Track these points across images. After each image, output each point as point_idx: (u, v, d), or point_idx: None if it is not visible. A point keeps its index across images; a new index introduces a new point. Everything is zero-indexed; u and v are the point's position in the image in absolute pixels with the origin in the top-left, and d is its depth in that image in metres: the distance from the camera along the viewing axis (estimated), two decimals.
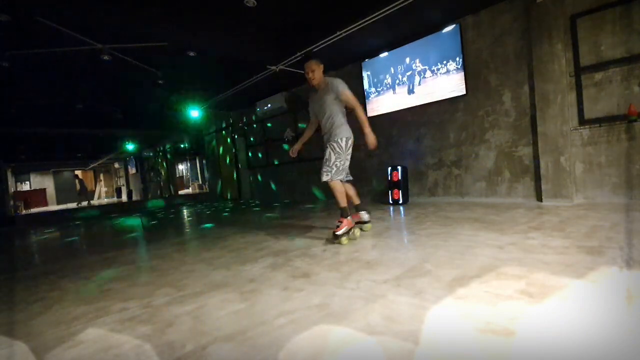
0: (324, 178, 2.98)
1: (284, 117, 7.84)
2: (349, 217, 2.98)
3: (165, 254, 3.20)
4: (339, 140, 2.98)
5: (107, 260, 3.16)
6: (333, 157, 2.98)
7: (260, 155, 8.86)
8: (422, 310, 1.45)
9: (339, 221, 2.93)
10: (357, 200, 3.30)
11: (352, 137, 3.07)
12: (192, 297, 1.91)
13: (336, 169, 2.96)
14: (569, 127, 3.85)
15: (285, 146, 7.80)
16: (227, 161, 9.93)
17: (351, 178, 3.23)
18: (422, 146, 5.34)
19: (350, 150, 3.05)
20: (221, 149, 10.13)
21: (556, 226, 2.77)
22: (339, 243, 2.85)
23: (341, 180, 3.03)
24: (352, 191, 3.23)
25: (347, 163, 3.05)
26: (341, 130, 3.01)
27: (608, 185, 3.70)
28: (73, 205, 16.11)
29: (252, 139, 9.07)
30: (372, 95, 5.88)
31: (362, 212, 3.34)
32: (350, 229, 2.96)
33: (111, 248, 3.83)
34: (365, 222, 3.33)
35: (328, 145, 3.02)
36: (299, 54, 5.24)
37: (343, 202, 2.99)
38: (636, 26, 3.44)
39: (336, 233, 2.86)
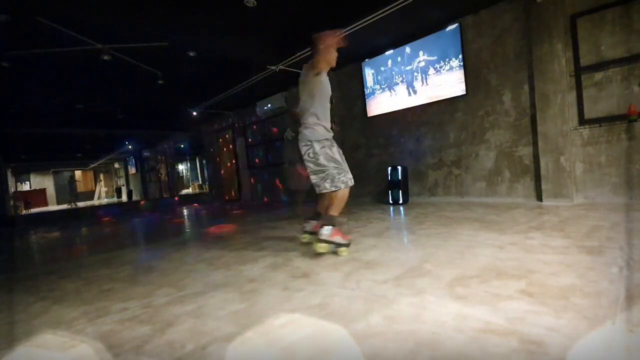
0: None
1: (284, 117, 7.84)
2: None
3: (166, 253, 3.20)
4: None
5: (107, 260, 3.16)
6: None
7: (260, 155, 8.85)
8: (422, 310, 1.45)
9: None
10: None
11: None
12: (192, 297, 1.91)
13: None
14: (569, 127, 3.85)
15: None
16: (227, 161, 9.93)
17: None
18: (422, 146, 5.34)
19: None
20: (221, 149, 10.13)
21: (556, 226, 2.77)
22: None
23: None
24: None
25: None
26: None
27: (608, 185, 3.70)
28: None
29: (251, 139, 9.07)
30: (372, 95, 5.88)
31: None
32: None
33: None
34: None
35: (336, 145, 2.61)
36: (299, 54, 5.25)
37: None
38: (636, 26, 3.44)
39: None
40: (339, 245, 2.51)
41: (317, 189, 2.58)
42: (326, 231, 2.45)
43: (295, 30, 4.66)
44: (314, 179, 2.56)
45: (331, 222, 2.50)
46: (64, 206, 16.56)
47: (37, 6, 3.53)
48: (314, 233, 2.66)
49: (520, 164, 4.33)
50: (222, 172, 10.25)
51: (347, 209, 5.17)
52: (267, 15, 4.08)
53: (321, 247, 2.47)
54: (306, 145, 2.54)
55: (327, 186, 2.51)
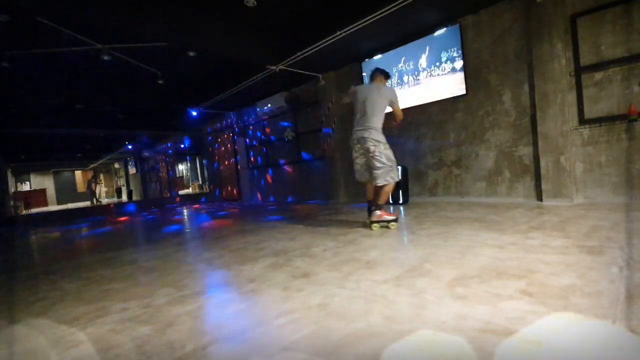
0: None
1: (284, 117, 7.84)
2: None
3: (165, 253, 3.20)
4: None
5: (108, 259, 3.16)
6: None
7: (260, 155, 8.86)
8: (422, 310, 1.45)
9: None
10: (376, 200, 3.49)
11: (352, 140, 3.43)
12: (192, 297, 1.91)
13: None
14: (569, 127, 3.85)
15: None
16: (227, 161, 9.93)
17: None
18: (422, 146, 5.34)
19: (353, 156, 3.49)
20: (221, 149, 10.13)
21: (556, 226, 2.77)
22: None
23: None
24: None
25: (356, 167, 3.50)
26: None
27: (608, 185, 3.70)
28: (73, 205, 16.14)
29: (252, 138, 9.08)
30: None
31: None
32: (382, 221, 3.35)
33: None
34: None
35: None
36: (299, 53, 5.25)
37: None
38: (636, 26, 3.44)
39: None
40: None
41: (377, 181, 3.29)
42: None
43: (295, 30, 4.67)
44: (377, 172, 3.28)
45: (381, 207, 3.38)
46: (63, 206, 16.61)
47: (37, 6, 3.53)
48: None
49: (520, 164, 4.33)
50: (222, 172, 10.26)
51: (349, 209, 5.18)
52: (267, 15, 4.09)
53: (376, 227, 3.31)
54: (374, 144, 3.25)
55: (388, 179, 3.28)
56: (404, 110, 5.47)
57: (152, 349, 1.35)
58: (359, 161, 3.43)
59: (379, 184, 3.29)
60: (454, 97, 4.83)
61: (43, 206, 20.23)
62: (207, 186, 13.97)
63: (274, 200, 8.33)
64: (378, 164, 3.25)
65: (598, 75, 3.69)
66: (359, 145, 3.34)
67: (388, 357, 1.13)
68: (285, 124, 7.82)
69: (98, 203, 15.86)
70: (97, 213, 10.57)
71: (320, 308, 1.57)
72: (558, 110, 3.86)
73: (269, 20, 4.27)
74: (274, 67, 5.81)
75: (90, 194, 16.65)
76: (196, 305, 1.76)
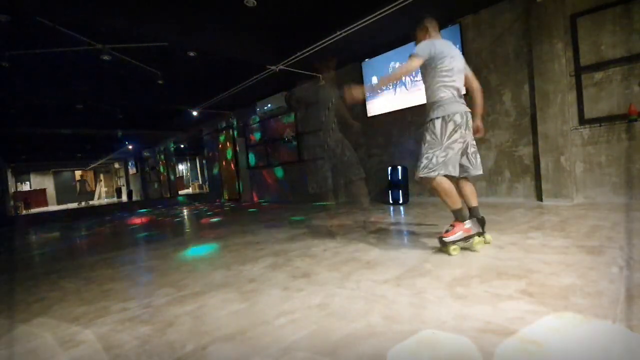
0: (416, 174, 2.32)
1: (284, 117, 7.84)
2: (466, 222, 2.25)
3: (165, 253, 3.20)
4: (430, 123, 2.31)
5: (107, 260, 3.16)
6: (424, 146, 2.32)
7: (260, 155, 8.86)
8: (422, 310, 1.45)
9: (451, 225, 2.29)
10: (472, 202, 2.44)
11: (453, 115, 2.25)
12: (192, 297, 1.91)
13: (428, 162, 2.25)
14: (569, 127, 3.85)
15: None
16: (227, 161, 9.92)
17: (467, 174, 2.44)
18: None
19: (453, 137, 2.24)
20: (221, 149, 10.13)
21: (556, 226, 2.77)
22: (447, 252, 2.22)
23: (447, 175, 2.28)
24: (467, 190, 2.44)
25: (452, 153, 2.24)
26: (431, 107, 2.34)
27: (608, 185, 3.70)
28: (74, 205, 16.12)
29: (252, 139, 9.08)
30: (372, 95, 5.88)
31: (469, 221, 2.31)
32: (468, 237, 2.25)
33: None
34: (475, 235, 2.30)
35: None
36: (299, 53, 5.25)
37: (453, 204, 2.26)
38: (636, 26, 3.44)
39: (443, 239, 2.23)
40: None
41: (480, 170, 2.44)
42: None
43: (295, 30, 4.67)
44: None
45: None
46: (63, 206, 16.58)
47: (37, 6, 3.53)
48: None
49: (520, 164, 4.33)
50: (222, 172, 10.25)
51: (349, 209, 5.17)
52: (267, 15, 4.09)
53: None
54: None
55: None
56: (403, 110, 5.53)
57: (153, 349, 1.35)
58: (456, 146, 2.26)
59: (480, 173, 2.44)
60: None
61: (43, 206, 20.23)
62: (207, 186, 13.98)
63: (274, 200, 8.33)
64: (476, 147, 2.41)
65: (598, 75, 3.69)
66: (466, 124, 2.28)
67: (388, 357, 1.13)
68: (285, 124, 7.82)
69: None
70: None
71: (320, 308, 1.57)
72: (558, 110, 3.86)
73: (269, 20, 4.27)
74: (274, 67, 5.81)
75: (88, 193, 16.64)
76: (196, 305, 1.76)
